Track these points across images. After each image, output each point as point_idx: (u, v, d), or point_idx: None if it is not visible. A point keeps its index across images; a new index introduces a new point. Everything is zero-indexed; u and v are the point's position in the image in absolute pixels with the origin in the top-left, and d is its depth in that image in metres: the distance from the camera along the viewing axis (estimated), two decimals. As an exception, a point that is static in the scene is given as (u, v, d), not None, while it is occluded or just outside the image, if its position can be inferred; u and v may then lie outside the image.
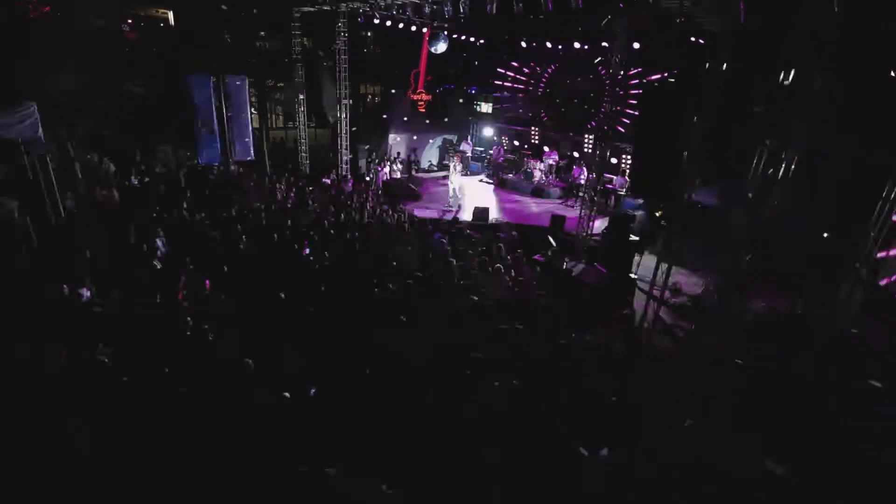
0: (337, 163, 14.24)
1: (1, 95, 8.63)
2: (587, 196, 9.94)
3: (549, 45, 15.09)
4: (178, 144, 12.03)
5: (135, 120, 12.40)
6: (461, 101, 18.91)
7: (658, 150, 7.59)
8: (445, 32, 11.15)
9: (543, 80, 17.25)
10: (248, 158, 11.60)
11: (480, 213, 11.26)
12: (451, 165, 11.88)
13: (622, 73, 9.84)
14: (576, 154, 15.37)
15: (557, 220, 11.09)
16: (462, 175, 12.11)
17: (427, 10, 10.42)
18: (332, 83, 12.86)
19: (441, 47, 11.19)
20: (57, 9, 12.63)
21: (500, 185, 15.23)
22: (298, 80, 13.10)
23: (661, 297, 8.71)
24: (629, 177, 10.94)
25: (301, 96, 13.36)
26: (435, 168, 17.88)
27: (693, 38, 11.55)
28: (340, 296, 6.20)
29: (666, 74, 11.47)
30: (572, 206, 13.41)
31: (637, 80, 12.90)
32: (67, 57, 11.56)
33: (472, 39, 16.31)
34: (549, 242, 10.27)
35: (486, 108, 20.71)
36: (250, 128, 11.37)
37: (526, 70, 17.59)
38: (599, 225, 11.15)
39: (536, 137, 16.46)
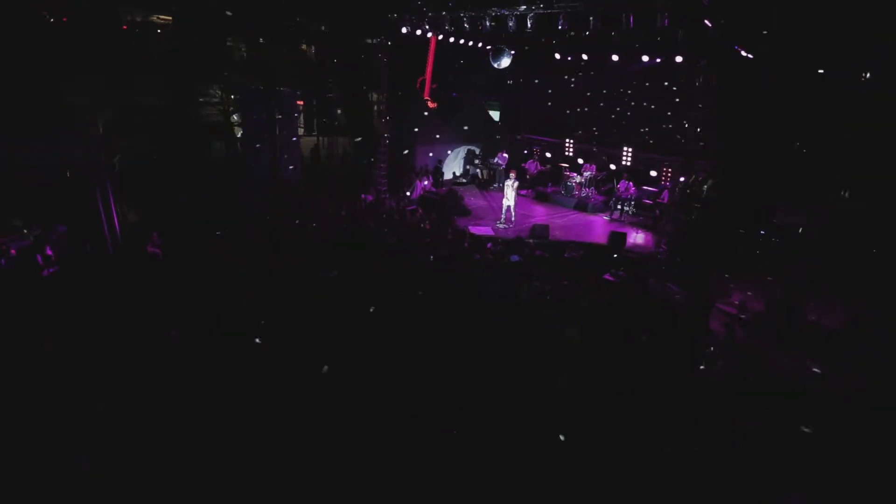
0: (374, 176, 13.74)
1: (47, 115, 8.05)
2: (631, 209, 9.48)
3: (585, 57, 14.91)
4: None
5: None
6: (472, 109, 18.55)
7: (759, 165, 7.40)
8: (506, 48, 10.77)
9: (573, 87, 16.94)
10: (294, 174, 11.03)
11: (540, 230, 10.92)
12: (508, 182, 11.56)
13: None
14: (612, 166, 15.23)
15: (618, 236, 10.83)
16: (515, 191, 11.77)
17: (487, 23, 10.08)
18: None
19: (505, 62, 10.87)
20: (69, 17, 11.92)
21: (540, 198, 14.96)
22: None
23: (738, 316, 8.61)
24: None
25: None
26: (463, 180, 17.55)
27: (736, 48, 11.48)
28: (465, 334, 5.82)
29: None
30: (618, 220, 13.29)
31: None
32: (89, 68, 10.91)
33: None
34: (615, 261, 10.01)
35: (494, 116, 20.48)
36: (299, 142, 10.84)
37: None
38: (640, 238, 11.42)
39: (571, 150, 16.27)
